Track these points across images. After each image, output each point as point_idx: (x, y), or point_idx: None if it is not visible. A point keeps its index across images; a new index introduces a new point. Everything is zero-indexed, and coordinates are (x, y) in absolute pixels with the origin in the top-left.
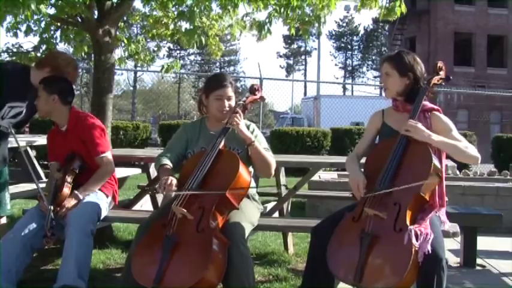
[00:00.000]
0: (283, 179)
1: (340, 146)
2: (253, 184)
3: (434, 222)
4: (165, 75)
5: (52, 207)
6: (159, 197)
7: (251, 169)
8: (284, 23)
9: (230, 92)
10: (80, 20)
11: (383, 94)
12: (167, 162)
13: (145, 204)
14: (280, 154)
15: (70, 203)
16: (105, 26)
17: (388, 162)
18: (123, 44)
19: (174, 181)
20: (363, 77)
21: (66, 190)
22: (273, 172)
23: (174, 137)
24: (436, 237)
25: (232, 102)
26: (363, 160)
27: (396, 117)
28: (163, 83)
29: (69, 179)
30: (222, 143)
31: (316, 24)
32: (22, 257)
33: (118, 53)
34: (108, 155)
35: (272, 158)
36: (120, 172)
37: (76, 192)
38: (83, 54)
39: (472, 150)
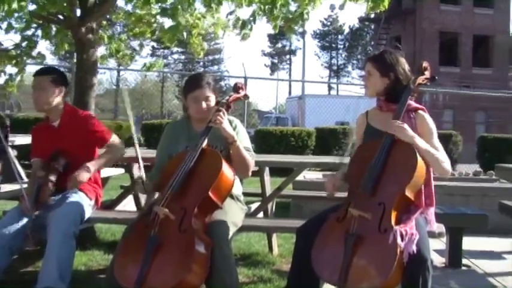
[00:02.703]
0: (267, 179)
1: (324, 146)
2: (238, 184)
3: (419, 223)
4: (149, 74)
5: (34, 207)
6: (143, 197)
7: None
8: (269, 20)
9: (207, 92)
10: (61, 17)
11: None
12: (154, 176)
13: (128, 205)
14: (265, 154)
15: (84, 176)
16: (88, 24)
17: (373, 162)
18: (105, 43)
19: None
20: (348, 77)
21: (49, 189)
22: (249, 174)
23: (158, 149)
24: (421, 237)
25: (211, 103)
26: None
27: (380, 117)
28: (146, 82)
29: (52, 177)
30: (206, 142)
31: (300, 22)
32: (1, 259)
33: (101, 51)
34: (116, 138)
35: (251, 159)
36: (103, 172)
37: (88, 164)
38: (64, 52)
39: (447, 164)
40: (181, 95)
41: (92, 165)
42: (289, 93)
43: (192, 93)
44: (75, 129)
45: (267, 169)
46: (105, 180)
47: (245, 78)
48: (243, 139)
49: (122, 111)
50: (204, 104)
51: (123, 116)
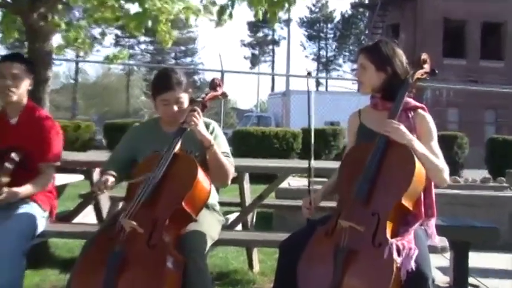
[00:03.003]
0: (247, 186)
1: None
2: (214, 193)
3: (419, 236)
4: (112, 66)
5: None
6: (104, 206)
7: None
8: (251, 5)
9: (178, 94)
10: (9, 0)
11: None
12: (109, 168)
13: (88, 216)
14: (244, 158)
15: (7, 200)
16: (40, 9)
17: (366, 168)
18: (61, 30)
19: (111, 180)
20: (338, 70)
21: (5, 178)
22: (229, 182)
23: (119, 144)
24: (421, 252)
25: (184, 104)
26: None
27: (375, 116)
28: (109, 75)
29: (8, 165)
30: (178, 146)
31: (286, 5)
32: None
33: (56, 40)
34: (54, 166)
35: (231, 166)
36: (59, 179)
37: (16, 190)
38: (13, 41)
39: (446, 173)
40: (150, 92)
41: (20, 192)
42: (272, 89)
43: (161, 95)
44: (32, 130)
45: (246, 175)
46: (60, 188)
47: (222, 71)
48: (221, 143)
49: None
50: (175, 107)
51: (82, 116)
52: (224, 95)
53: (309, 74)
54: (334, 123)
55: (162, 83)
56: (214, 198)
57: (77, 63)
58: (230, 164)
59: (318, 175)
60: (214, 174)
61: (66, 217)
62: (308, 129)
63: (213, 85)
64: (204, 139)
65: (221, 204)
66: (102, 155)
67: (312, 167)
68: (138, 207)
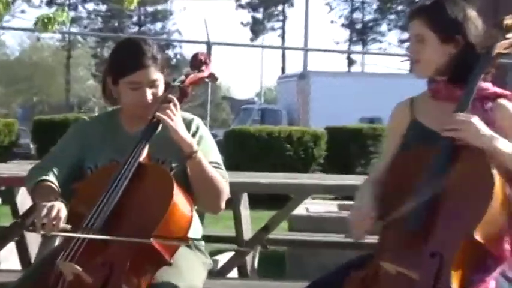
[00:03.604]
0: (245, 213)
1: (341, 158)
2: (197, 223)
3: (501, 287)
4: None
5: None
6: (33, 244)
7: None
8: None
9: (153, 73)
10: None
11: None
12: (49, 178)
13: (8, 259)
14: (241, 171)
15: None
16: None
17: (422, 186)
18: None
19: (63, 212)
20: (380, 42)
21: None
22: (222, 205)
23: (60, 142)
24: None
25: (159, 89)
26: None
27: (435, 108)
28: (40, 50)
29: None
30: (146, 152)
31: None
32: None
33: None
34: None
35: (224, 182)
36: None
37: None
38: None
39: None
40: (106, 74)
41: None
42: (283, 69)
43: (129, 76)
44: None
45: (245, 197)
46: None
47: (209, 43)
48: (208, 150)
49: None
50: (148, 92)
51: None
52: (212, 77)
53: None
54: (375, 119)
55: (129, 57)
56: (197, 231)
57: None
58: (223, 178)
59: (349, 197)
60: (199, 195)
61: None
62: (336, 128)
63: (196, 63)
64: (183, 143)
65: (208, 239)
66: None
67: None
68: (84, 245)
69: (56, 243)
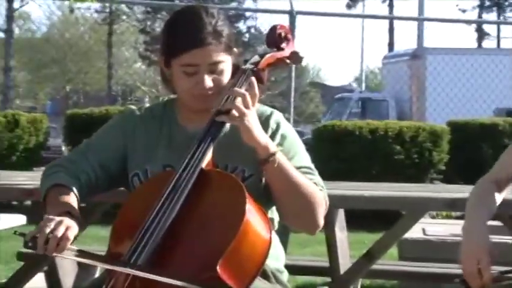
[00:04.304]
0: (342, 235)
1: (469, 163)
2: (278, 248)
3: None
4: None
5: None
6: (67, 276)
7: (273, 214)
8: None
9: (214, 52)
10: None
11: None
12: (66, 182)
13: None
14: (336, 181)
15: None
16: None
17: None
18: None
19: (73, 231)
20: None
21: None
22: (320, 220)
23: (96, 134)
24: None
25: (224, 74)
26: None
27: None
28: (73, 23)
29: None
30: (209, 156)
31: None
32: None
33: None
34: None
35: (318, 191)
36: None
37: None
38: None
39: None
40: (160, 56)
41: None
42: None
43: (182, 56)
44: None
45: (341, 214)
46: None
47: (291, 13)
48: (294, 152)
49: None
50: (206, 79)
51: (24, 102)
52: (295, 57)
53: None
54: None
55: (184, 32)
56: (278, 259)
57: (10, 0)
58: (317, 188)
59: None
60: (288, 209)
61: None
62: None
63: (274, 39)
64: (258, 144)
65: (293, 270)
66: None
67: None
68: (131, 275)
69: (97, 274)
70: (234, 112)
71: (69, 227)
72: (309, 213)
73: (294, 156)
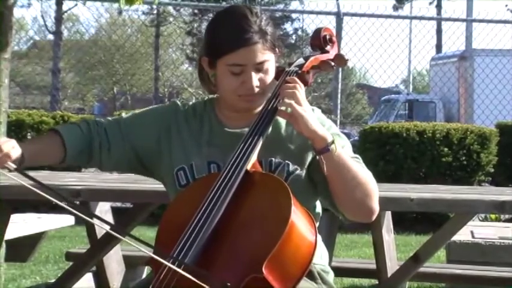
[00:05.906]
0: (388, 237)
1: None
2: (322, 249)
3: None
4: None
5: None
6: (114, 275)
7: (319, 209)
8: None
9: (260, 52)
10: None
11: None
12: (68, 134)
13: None
14: (384, 183)
15: None
16: None
17: None
18: None
19: (16, 151)
20: None
21: None
22: (376, 205)
23: (136, 114)
24: None
25: (268, 74)
26: None
27: None
28: (121, 26)
29: None
30: (255, 155)
31: None
32: None
33: None
34: None
35: (373, 177)
36: (24, 227)
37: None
38: None
39: None
40: (202, 56)
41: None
42: (438, 48)
43: (229, 55)
44: None
45: (388, 216)
46: (32, 241)
47: (339, 15)
48: (344, 143)
49: None
50: (254, 78)
51: (72, 102)
52: (340, 59)
53: None
54: None
55: (230, 32)
56: (323, 258)
57: (59, 3)
58: (369, 174)
59: None
60: (345, 197)
61: None
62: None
63: (319, 42)
64: (317, 134)
65: (339, 271)
66: (107, 178)
67: None
68: (177, 276)
69: (144, 275)
70: (294, 104)
71: (14, 146)
72: (368, 198)
73: (343, 146)
